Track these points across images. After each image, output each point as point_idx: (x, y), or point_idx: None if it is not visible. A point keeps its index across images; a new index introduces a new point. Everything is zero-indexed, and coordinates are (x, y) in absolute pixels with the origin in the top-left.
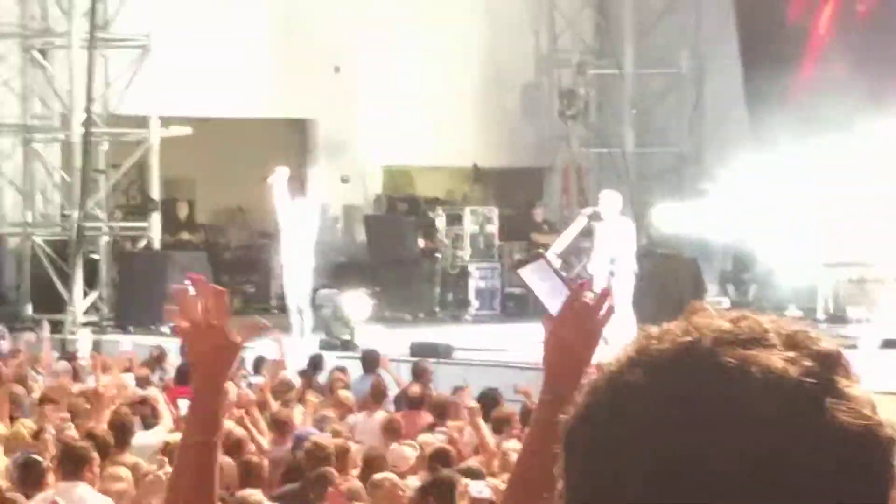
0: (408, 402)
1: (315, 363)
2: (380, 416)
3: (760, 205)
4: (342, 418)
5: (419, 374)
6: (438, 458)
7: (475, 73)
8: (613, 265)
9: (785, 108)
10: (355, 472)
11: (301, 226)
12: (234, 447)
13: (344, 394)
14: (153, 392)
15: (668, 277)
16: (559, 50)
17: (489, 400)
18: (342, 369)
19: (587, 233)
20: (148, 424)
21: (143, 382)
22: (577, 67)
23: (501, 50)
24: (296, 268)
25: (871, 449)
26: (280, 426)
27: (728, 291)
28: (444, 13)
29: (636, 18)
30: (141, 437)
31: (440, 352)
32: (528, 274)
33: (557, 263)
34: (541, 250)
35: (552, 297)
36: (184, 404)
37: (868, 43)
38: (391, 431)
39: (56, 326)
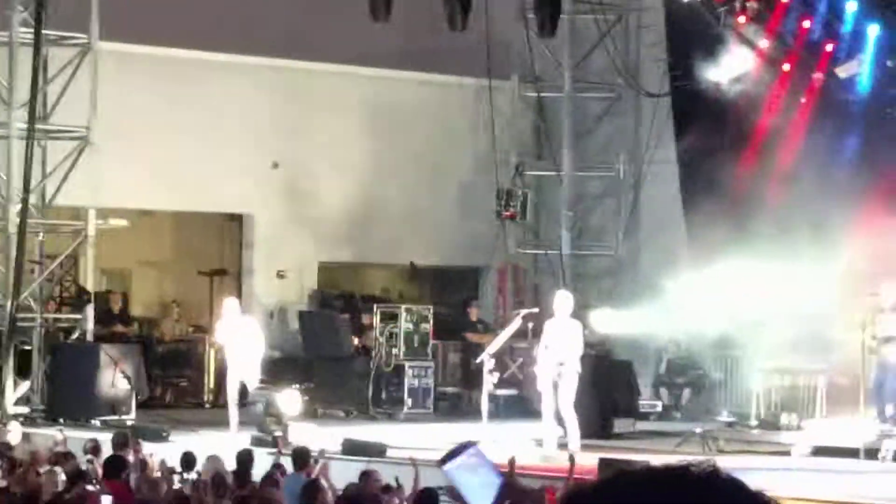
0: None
1: (245, 460)
2: None
3: (696, 309)
4: None
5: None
6: None
7: (414, 170)
8: (561, 366)
9: (721, 217)
10: None
11: (246, 345)
12: None
13: (276, 492)
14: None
15: (604, 380)
16: (498, 150)
17: (428, 500)
18: (279, 466)
19: (521, 333)
20: None
21: (76, 475)
22: (515, 168)
23: (441, 149)
24: (242, 377)
25: None
26: None
27: (661, 395)
28: (384, 111)
29: (575, 121)
30: None
31: (373, 450)
32: (456, 472)
33: (491, 364)
34: (471, 440)
35: (484, 490)
36: (107, 501)
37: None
38: None
39: None
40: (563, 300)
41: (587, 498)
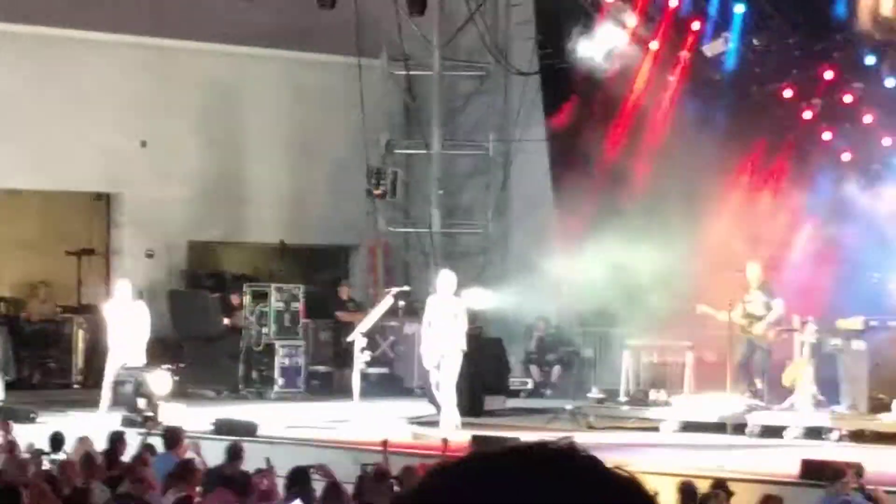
0: (220, 481)
1: (115, 440)
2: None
3: (566, 287)
4: (144, 495)
5: (234, 453)
6: None
7: (284, 148)
8: (445, 343)
9: (591, 194)
10: None
11: (132, 327)
12: None
13: (148, 471)
14: None
15: (474, 357)
16: (368, 129)
17: (300, 478)
18: (149, 446)
19: (392, 312)
20: None
21: None
22: (385, 146)
23: (311, 127)
24: (124, 360)
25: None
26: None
27: (532, 373)
28: (251, 89)
29: (444, 99)
30: None
31: (244, 429)
32: None
33: (362, 343)
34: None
35: None
36: None
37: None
38: None
39: None
40: (446, 278)
41: (444, 477)
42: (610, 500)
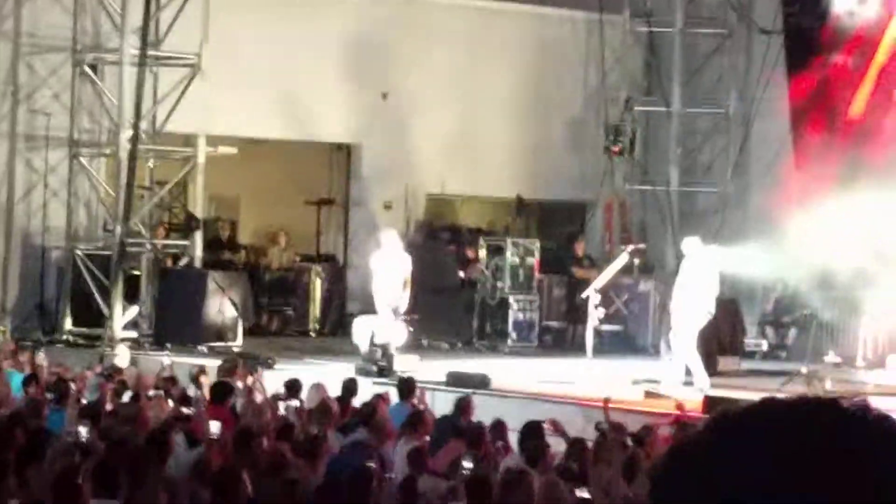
0: (452, 432)
1: (349, 389)
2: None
3: (805, 249)
4: (382, 444)
5: (464, 406)
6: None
7: (523, 104)
8: (691, 306)
9: (831, 154)
10: None
11: (397, 276)
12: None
13: (384, 420)
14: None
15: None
16: (607, 86)
17: (532, 432)
18: (382, 396)
19: (627, 269)
20: (192, 442)
21: (182, 400)
22: (624, 104)
23: (550, 83)
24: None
25: None
26: (316, 450)
27: (767, 334)
28: (493, 44)
29: (685, 57)
30: (182, 456)
31: (477, 382)
32: None
33: (597, 300)
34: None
35: None
36: (215, 426)
37: None
38: (417, 461)
39: (94, 341)
40: (690, 244)
41: (734, 420)
42: None
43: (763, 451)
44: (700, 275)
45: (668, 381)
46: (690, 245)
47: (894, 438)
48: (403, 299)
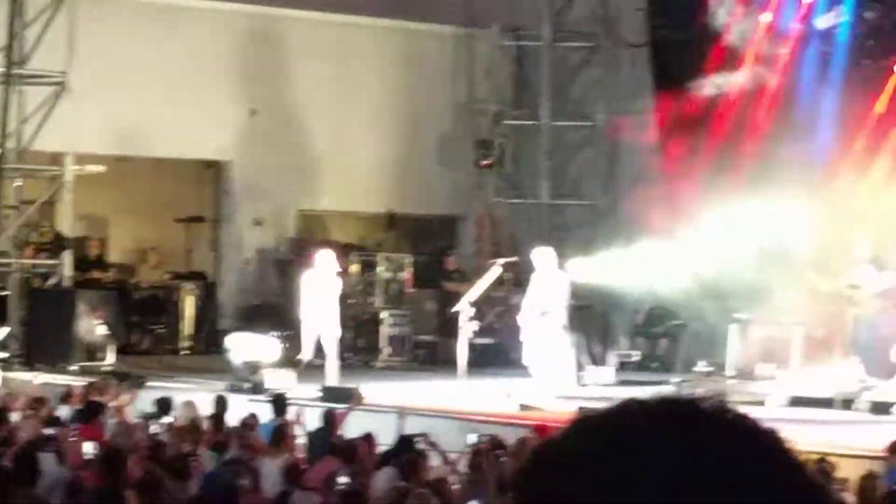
0: (326, 448)
1: (221, 406)
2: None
3: (674, 260)
4: (251, 460)
5: (331, 420)
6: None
7: (393, 119)
8: (543, 317)
9: (698, 166)
10: None
11: (327, 296)
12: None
13: (255, 436)
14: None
15: (580, 330)
16: (476, 100)
17: (405, 446)
18: (253, 413)
19: (499, 283)
20: (61, 460)
21: (52, 421)
22: (493, 117)
23: (419, 98)
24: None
25: None
26: (187, 468)
27: (638, 345)
28: (362, 59)
29: (553, 71)
30: (52, 476)
31: (349, 397)
32: None
33: (469, 313)
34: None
35: None
36: (89, 446)
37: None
38: (292, 476)
39: None
40: (543, 254)
41: (594, 420)
42: (769, 454)
43: (619, 450)
44: (551, 286)
45: (541, 392)
46: (541, 256)
47: (750, 438)
48: (335, 319)
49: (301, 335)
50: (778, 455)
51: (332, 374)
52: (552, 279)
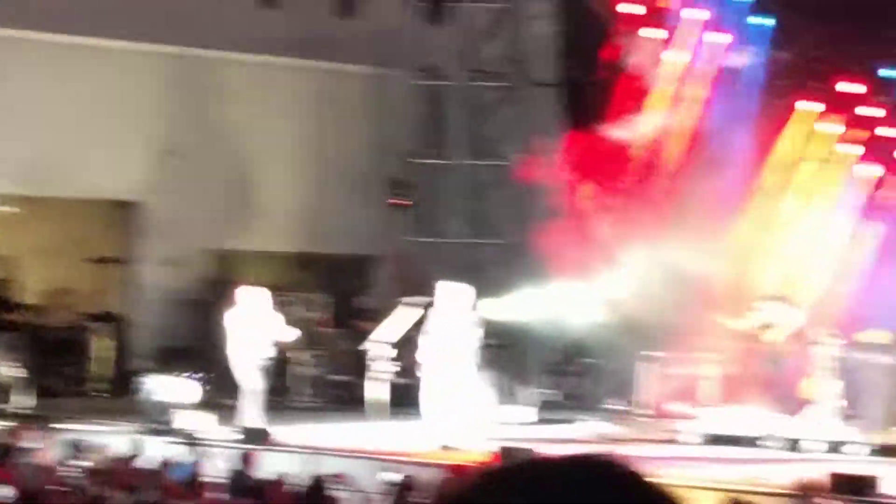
0: (239, 490)
1: (136, 449)
2: None
3: (588, 297)
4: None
5: (247, 461)
6: None
7: (305, 158)
8: (451, 357)
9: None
10: None
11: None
12: None
13: (169, 479)
14: None
15: (494, 368)
16: (389, 139)
17: (318, 487)
18: (167, 458)
19: (418, 323)
20: None
21: None
22: (406, 156)
23: (332, 137)
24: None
25: None
26: None
27: (554, 383)
28: (275, 99)
29: (467, 111)
30: None
31: (263, 437)
32: None
33: (381, 353)
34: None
35: None
36: (4, 490)
37: None
38: None
39: None
40: (450, 290)
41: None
42: None
43: None
44: (459, 325)
45: (458, 433)
46: (445, 293)
47: (643, 498)
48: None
49: (231, 376)
50: None
51: (253, 415)
52: (461, 317)
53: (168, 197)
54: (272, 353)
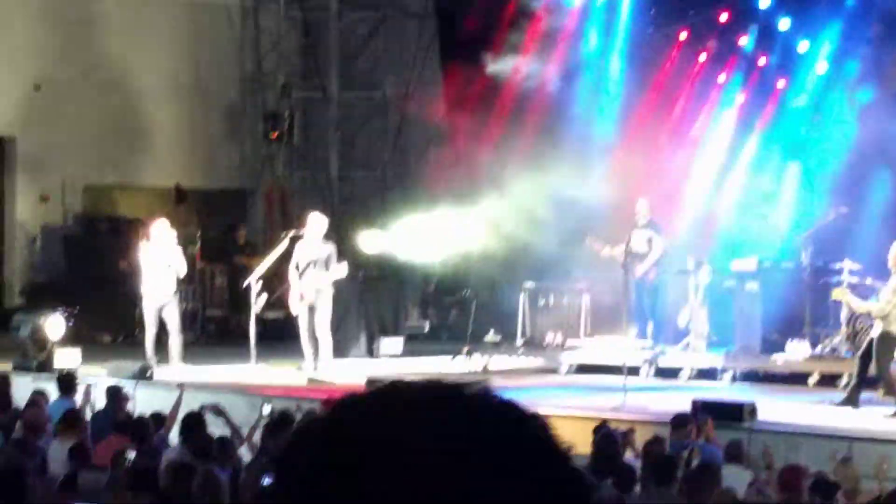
0: (112, 427)
1: (4, 386)
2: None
3: (464, 229)
4: (37, 441)
5: (117, 397)
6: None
7: (180, 92)
8: (317, 290)
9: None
10: None
11: (164, 268)
12: None
13: (42, 417)
14: None
15: (370, 300)
16: (264, 71)
17: (195, 423)
18: (40, 392)
19: (289, 256)
20: None
21: None
22: (281, 89)
23: (206, 70)
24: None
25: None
26: None
27: (429, 315)
28: (149, 31)
29: (341, 42)
30: None
31: (138, 373)
32: None
33: (259, 287)
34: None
35: None
36: None
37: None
38: (79, 456)
39: None
40: (313, 221)
41: (357, 403)
42: (524, 441)
43: (372, 436)
44: (322, 253)
45: (328, 366)
46: (314, 223)
47: (515, 423)
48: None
49: (143, 312)
50: (542, 441)
51: (176, 350)
52: (321, 248)
53: (39, 131)
54: (175, 288)
